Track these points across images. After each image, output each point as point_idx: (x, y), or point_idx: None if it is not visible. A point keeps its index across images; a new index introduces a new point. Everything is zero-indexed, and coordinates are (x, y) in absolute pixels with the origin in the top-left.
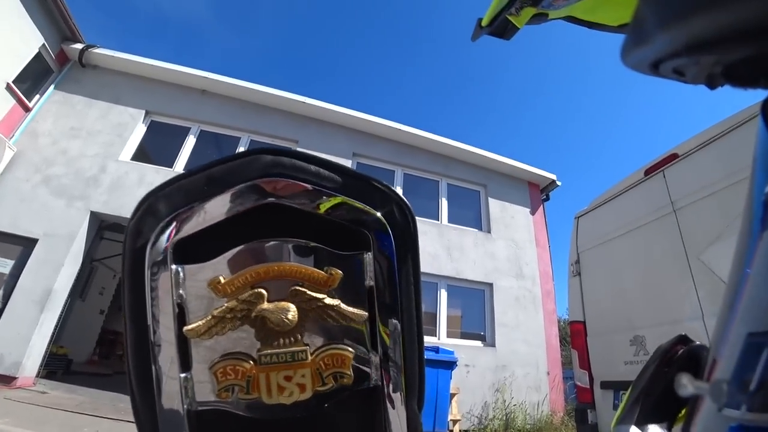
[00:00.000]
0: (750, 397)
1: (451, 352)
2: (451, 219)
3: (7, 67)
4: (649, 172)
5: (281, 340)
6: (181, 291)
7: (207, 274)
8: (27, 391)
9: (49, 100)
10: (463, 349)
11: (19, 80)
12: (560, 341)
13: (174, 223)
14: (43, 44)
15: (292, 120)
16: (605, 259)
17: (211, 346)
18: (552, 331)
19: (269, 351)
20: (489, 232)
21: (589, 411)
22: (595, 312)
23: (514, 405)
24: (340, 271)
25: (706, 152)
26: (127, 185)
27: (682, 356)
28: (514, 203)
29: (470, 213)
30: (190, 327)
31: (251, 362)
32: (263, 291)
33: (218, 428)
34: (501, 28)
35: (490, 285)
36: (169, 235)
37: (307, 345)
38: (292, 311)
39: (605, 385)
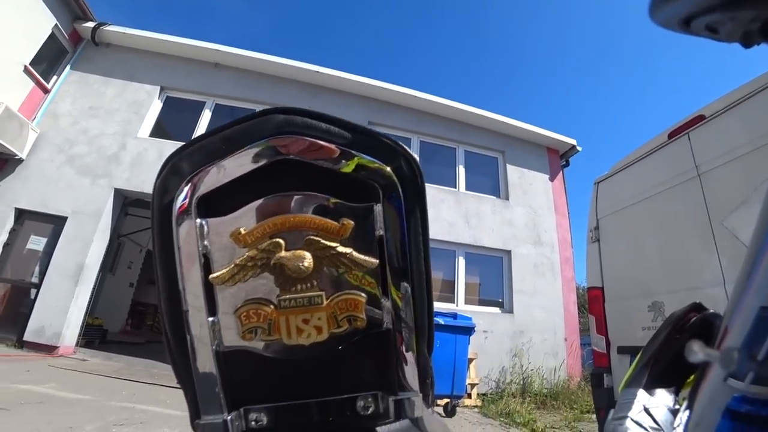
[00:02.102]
0: (756, 368)
1: (469, 319)
2: (469, 186)
3: (23, 49)
4: (673, 135)
5: (298, 286)
6: (205, 242)
7: (229, 226)
8: (68, 358)
9: (66, 80)
10: (481, 315)
11: (35, 62)
12: (578, 308)
13: (196, 180)
14: (56, 24)
15: (306, 90)
16: (625, 225)
17: (234, 292)
18: (570, 298)
19: (288, 296)
20: (507, 199)
21: (605, 375)
22: (614, 278)
23: (531, 370)
24: (352, 222)
25: (733, 114)
26: (147, 162)
27: (695, 324)
28: (533, 169)
29: (488, 180)
30: (215, 275)
31: (272, 306)
32: (281, 240)
33: (244, 367)
34: None
35: (508, 252)
36: (193, 191)
37: (322, 290)
38: (308, 259)
39: (622, 350)
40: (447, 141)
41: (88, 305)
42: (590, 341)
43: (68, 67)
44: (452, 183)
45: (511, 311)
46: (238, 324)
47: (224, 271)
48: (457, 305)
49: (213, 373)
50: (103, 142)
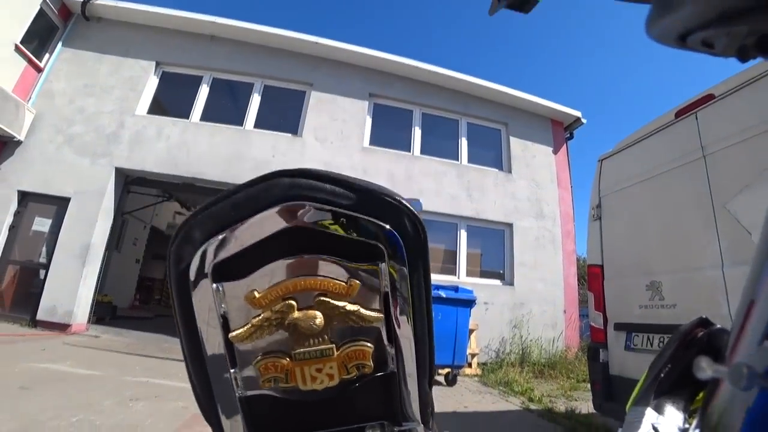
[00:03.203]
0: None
1: (470, 292)
2: (471, 159)
3: (13, 28)
4: (680, 114)
5: (311, 341)
6: (222, 305)
7: (243, 289)
8: (81, 336)
9: (59, 58)
10: (482, 287)
11: (26, 41)
12: (579, 280)
13: (209, 249)
14: (44, 0)
15: (305, 62)
16: (627, 204)
17: (252, 346)
18: (570, 271)
19: (301, 349)
20: (510, 172)
21: (601, 350)
22: (614, 256)
23: (531, 340)
24: (358, 282)
25: (744, 94)
26: (146, 139)
27: (702, 339)
28: (536, 142)
29: (491, 152)
30: (234, 334)
31: (288, 359)
32: (293, 302)
33: (264, 408)
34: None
35: (510, 225)
36: (206, 259)
37: (333, 343)
38: (319, 318)
39: (618, 326)
40: (449, 113)
41: (97, 283)
42: (588, 313)
43: (60, 44)
44: (454, 156)
45: (511, 283)
46: (258, 374)
47: (242, 330)
48: (458, 278)
49: (237, 415)
50: (101, 120)
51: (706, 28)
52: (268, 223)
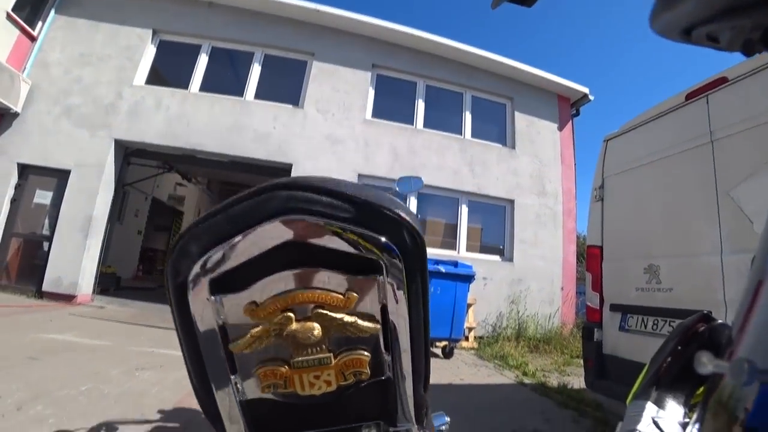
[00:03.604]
0: None
1: (470, 267)
2: (475, 133)
3: None
4: (691, 96)
5: (309, 350)
6: (221, 316)
7: (242, 301)
8: (87, 306)
9: (52, 26)
10: (481, 263)
11: (17, 8)
12: (578, 257)
13: (207, 262)
14: None
15: (306, 31)
16: (630, 186)
17: (252, 355)
18: (570, 249)
19: (300, 358)
20: (513, 147)
21: (595, 329)
22: (614, 238)
23: (527, 316)
24: (356, 294)
25: (759, 78)
26: (145, 110)
27: (703, 334)
28: (542, 118)
29: (495, 127)
30: (234, 345)
31: (286, 366)
32: (291, 315)
33: (264, 411)
34: None
35: (512, 201)
36: (204, 272)
37: (330, 352)
38: (317, 329)
39: (614, 307)
40: (454, 86)
41: (100, 255)
42: (585, 290)
43: (53, 11)
44: (458, 130)
45: (511, 260)
46: (258, 381)
47: (242, 341)
48: (458, 252)
49: (238, 418)
50: (99, 91)
51: (710, 22)
52: (265, 236)
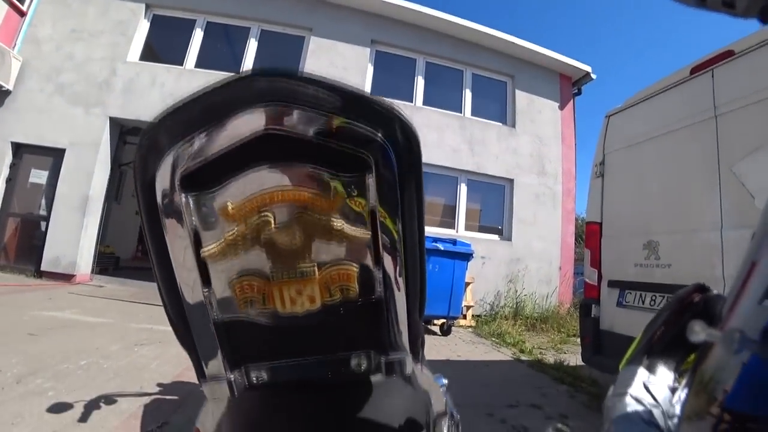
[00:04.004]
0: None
1: (468, 245)
2: (475, 112)
3: None
4: (696, 70)
5: (290, 260)
6: (193, 218)
7: (216, 201)
8: (86, 285)
9: (42, 0)
10: (480, 242)
11: None
12: (576, 238)
13: (177, 155)
14: None
15: (303, 5)
16: (631, 162)
17: (227, 265)
18: (568, 230)
19: (280, 269)
20: (513, 126)
21: (593, 306)
22: (613, 214)
23: (525, 295)
24: (344, 194)
25: (766, 52)
26: (140, 88)
27: (698, 304)
28: (543, 96)
29: (495, 106)
30: (206, 250)
31: (265, 279)
32: (269, 216)
33: (244, 331)
34: None
35: (511, 181)
36: (174, 167)
37: (314, 263)
38: (298, 234)
39: (612, 283)
40: (454, 62)
41: (98, 234)
42: (583, 270)
43: None
44: (458, 107)
45: (509, 239)
46: (233, 296)
47: (215, 247)
48: (457, 231)
49: (213, 339)
50: (92, 68)
51: None
52: (243, 126)
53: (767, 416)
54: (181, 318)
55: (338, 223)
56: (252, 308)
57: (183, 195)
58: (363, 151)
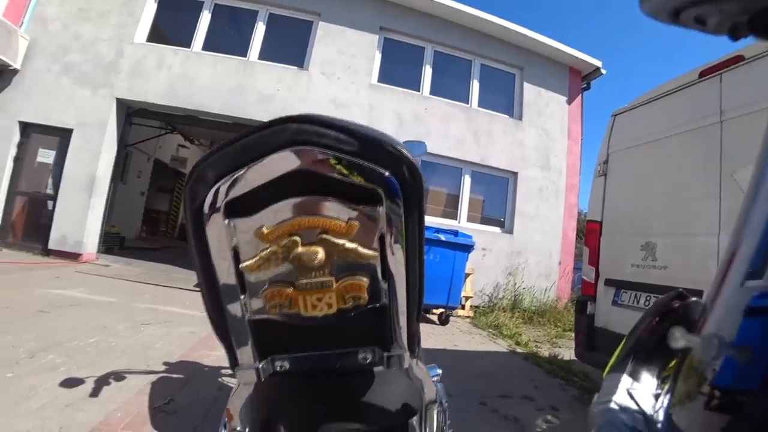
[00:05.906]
0: None
1: (470, 237)
2: (482, 103)
3: None
4: (704, 74)
5: (313, 273)
6: (234, 238)
7: (253, 225)
8: (92, 264)
9: None
10: (481, 233)
11: None
12: (577, 234)
13: (221, 188)
14: None
15: None
16: (635, 163)
17: (260, 276)
18: (570, 225)
19: (304, 280)
20: (520, 119)
21: (589, 303)
22: (614, 214)
23: (523, 288)
24: (357, 222)
25: None
26: (147, 69)
27: (678, 311)
28: (551, 90)
29: (502, 97)
30: (244, 264)
31: (292, 288)
32: (297, 238)
33: (270, 332)
34: None
35: (515, 174)
36: (219, 197)
37: (332, 276)
38: (321, 253)
39: (609, 282)
40: (463, 52)
41: (104, 214)
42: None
43: None
44: (465, 98)
45: (511, 232)
46: (265, 301)
47: (252, 261)
48: (459, 222)
49: (246, 334)
50: (99, 48)
51: (698, 5)
52: (276, 165)
53: (756, 389)
54: (221, 317)
55: (353, 244)
56: (279, 311)
57: (226, 220)
58: (375, 186)
